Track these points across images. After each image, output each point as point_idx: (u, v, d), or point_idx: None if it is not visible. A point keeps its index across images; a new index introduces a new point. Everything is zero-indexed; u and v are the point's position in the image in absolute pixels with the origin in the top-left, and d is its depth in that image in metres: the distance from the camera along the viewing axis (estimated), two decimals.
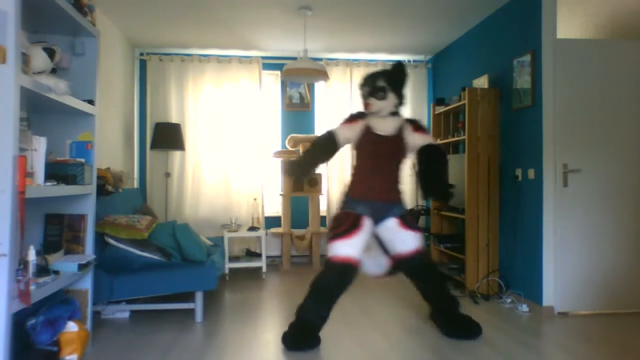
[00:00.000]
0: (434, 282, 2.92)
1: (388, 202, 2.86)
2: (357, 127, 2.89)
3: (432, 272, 2.93)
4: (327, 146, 2.91)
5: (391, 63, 2.96)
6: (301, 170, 2.91)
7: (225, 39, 4.87)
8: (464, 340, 2.82)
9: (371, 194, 2.82)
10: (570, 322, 3.22)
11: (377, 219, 2.86)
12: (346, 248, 2.70)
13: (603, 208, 3.42)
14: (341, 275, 2.71)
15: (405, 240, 2.85)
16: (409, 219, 2.91)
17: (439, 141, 4.64)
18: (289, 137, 5.17)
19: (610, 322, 3.21)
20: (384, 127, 2.87)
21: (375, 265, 2.97)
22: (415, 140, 2.90)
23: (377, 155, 2.85)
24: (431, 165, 2.88)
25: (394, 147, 2.87)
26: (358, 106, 5.40)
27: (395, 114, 2.93)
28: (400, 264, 2.91)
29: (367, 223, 2.80)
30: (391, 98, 2.86)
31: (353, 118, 2.94)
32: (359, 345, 2.79)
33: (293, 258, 5.45)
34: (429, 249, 4.28)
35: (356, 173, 2.91)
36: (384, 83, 2.84)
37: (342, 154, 5.44)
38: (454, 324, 2.87)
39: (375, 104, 2.84)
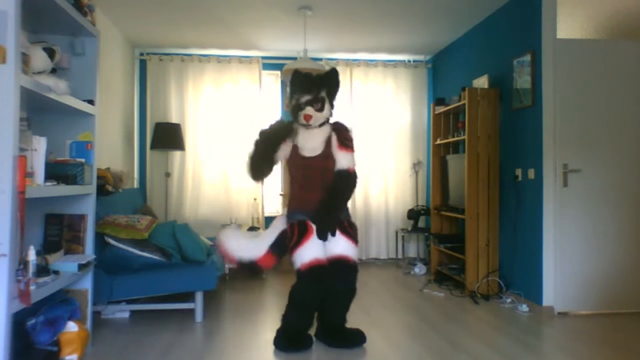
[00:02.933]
0: (344, 300, 2.79)
1: None
2: (287, 147, 2.79)
3: (348, 291, 2.77)
4: (264, 160, 2.77)
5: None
6: (324, 218, 2.75)
7: (225, 39, 4.87)
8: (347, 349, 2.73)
9: (308, 207, 2.75)
10: (570, 322, 3.22)
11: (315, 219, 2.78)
12: (308, 252, 2.66)
13: (603, 208, 3.42)
14: (316, 281, 2.66)
15: (336, 244, 2.74)
16: (347, 224, 2.79)
17: (438, 141, 4.64)
18: None
19: (610, 322, 3.21)
20: (311, 144, 2.74)
21: (251, 249, 2.82)
22: (337, 160, 2.76)
23: (306, 176, 2.76)
24: (327, 200, 2.74)
25: (322, 165, 2.75)
26: (360, 109, 5.40)
27: (324, 124, 2.81)
28: (328, 265, 2.75)
29: (312, 226, 2.72)
30: (327, 110, 2.78)
31: (281, 137, 2.78)
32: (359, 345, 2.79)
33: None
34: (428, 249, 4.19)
35: (291, 191, 2.87)
36: (324, 94, 2.75)
37: None
38: (336, 337, 2.76)
39: (314, 115, 2.72)
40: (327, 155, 2.76)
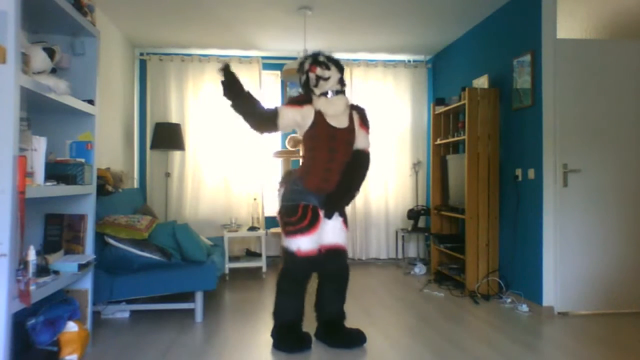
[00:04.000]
0: (340, 289, 2.81)
1: None
2: (308, 113, 2.68)
3: (343, 279, 2.82)
4: (265, 116, 2.70)
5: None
6: (233, 92, 2.77)
7: (225, 39, 4.87)
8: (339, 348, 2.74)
9: (326, 187, 2.71)
10: (570, 322, 3.22)
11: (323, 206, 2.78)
12: (310, 244, 2.65)
13: (603, 208, 3.42)
14: (307, 269, 2.68)
15: (336, 234, 2.77)
16: (344, 216, 2.85)
17: (438, 141, 4.64)
18: (289, 137, 5.17)
19: (610, 322, 3.21)
20: (337, 114, 2.69)
21: None
22: (358, 138, 2.78)
23: (334, 149, 2.68)
24: (348, 182, 2.76)
25: (348, 140, 2.73)
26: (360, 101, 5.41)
27: (340, 92, 2.75)
28: (324, 254, 2.77)
29: (321, 215, 2.72)
30: (334, 71, 2.70)
31: (301, 102, 2.71)
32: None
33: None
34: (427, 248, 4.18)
35: (311, 165, 2.70)
36: (325, 59, 2.72)
37: None
38: (337, 335, 2.77)
39: (322, 71, 2.66)
40: (352, 129, 2.74)
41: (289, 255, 2.67)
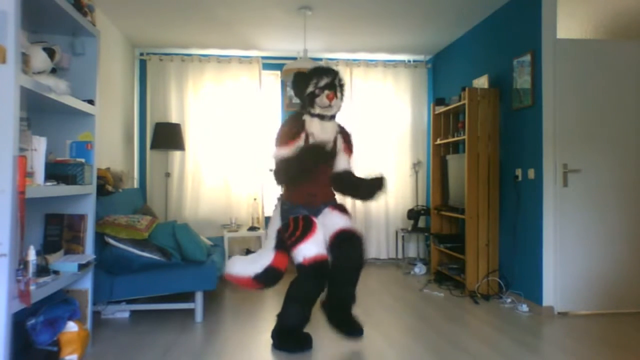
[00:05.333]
0: (352, 271, 2.77)
1: (327, 201, 2.90)
2: (300, 142, 2.74)
3: (357, 260, 2.76)
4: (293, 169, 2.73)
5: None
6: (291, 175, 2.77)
7: (225, 39, 4.87)
8: (345, 336, 2.82)
9: (313, 200, 2.82)
10: (570, 322, 3.22)
11: (317, 215, 2.85)
12: (313, 247, 2.64)
13: (603, 208, 3.42)
14: (317, 275, 2.64)
15: (334, 221, 2.81)
16: (340, 206, 2.90)
17: (438, 141, 4.64)
18: None
19: (610, 322, 3.21)
20: (326, 136, 2.77)
21: (259, 260, 2.83)
22: (340, 161, 2.89)
23: (315, 172, 2.78)
24: (349, 184, 2.87)
25: (332, 157, 2.85)
26: (360, 108, 5.40)
27: (333, 117, 2.86)
28: (331, 243, 2.78)
29: (316, 221, 2.77)
30: (340, 99, 2.81)
31: (292, 136, 2.74)
32: (359, 345, 2.79)
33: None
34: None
35: (294, 186, 2.84)
36: (337, 81, 2.80)
37: None
38: (340, 317, 2.81)
39: (335, 101, 2.76)
40: (334, 147, 2.85)
41: (298, 268, 2.67)
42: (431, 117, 4.74)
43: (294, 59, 5.40)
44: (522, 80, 3.63)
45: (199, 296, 3.25)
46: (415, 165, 5.55)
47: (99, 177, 3.40)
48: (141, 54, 5.24)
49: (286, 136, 2.75)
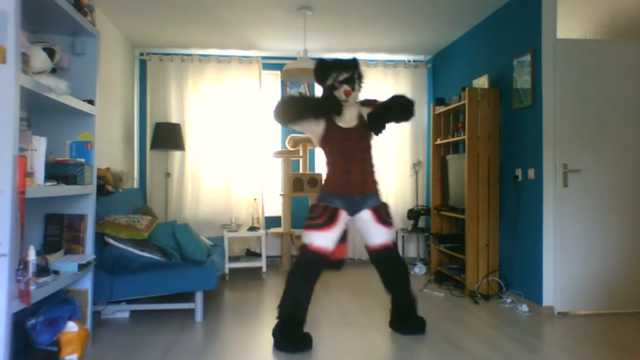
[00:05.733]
0: (397, 276, 3.00)
1: (363, 194, 2.91)
2: (319, 126, 2.90)
3: (397, 266, 3.00)
4: (303, 107, 2.84)
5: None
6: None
7: (225, 39, 4.88)
8: (413, 335, 2.95)
9: (346, 190, 2.86)
10: (570, 322, 3.22)
11: (353, 212, 2.93)
12: (322, 240, 2.78)
13: (603, 208, 3.42)
14: (315, 262, 2.78)
15: (375, 235, 2.95)
16: (383, 212, 2.97)
17: (438, 141, 4.64)
18: (289, 137, 5.17)
19: (610, 322, 3.21)
20: (348, 117, 2.91)
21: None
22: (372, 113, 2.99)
23: (346, 148, 2.87)
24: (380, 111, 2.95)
25: (360, 137, 2.91)
26: None
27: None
28: (370, 255, 3.03)
29: (342, 217, 2.87)
30: (357, 90, 2.93)
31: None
32: (359, 345, 2.79)
33: (293, 258, 5.45)
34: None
35: (329, 169, 2.93)
36: (356, 76, 2.91)
37: None
38: (406, 319, 2.99)
39: (352, 93, 2.87)
40: (363, 124, 2.94)
41: (301, 247, 2.83)
42: (431, 117, 4.74)
43: (294, 59, 5.40)
44: (522, 80, 3.63)
45: (199, 296, 3.25)
46: (415, 165, 5.55)
47: (99, 177, 3.40)
48: (141, 54, 5.24)
49: None
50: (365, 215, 2.93)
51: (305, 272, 2.78)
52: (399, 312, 3.01)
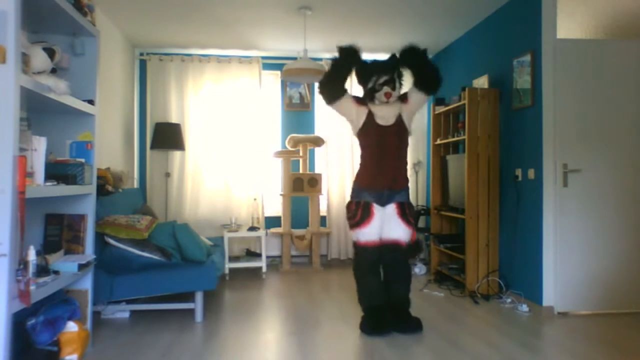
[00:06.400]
0: (396, 278, 3.08)
1: (393, 190, 3.04)
2: (362, 114, 3.05)
3: (400, 269, 3.07)
4: (335, 86, 3.03)
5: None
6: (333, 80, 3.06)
7: (225, 39, 4.88)
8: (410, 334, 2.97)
9: (378, 184, 3.01)
10: (570, 322, 3.22)
11: (383, 204, 3.05)
12: (365, 236, 3.00)
13: (603, 208, 3.42)
14: (368, 255, 3.00)
15: (392, 228, 3.03)
16: (407, 210, 3.06)
17: (438, 141, 4.64)
18: (289, 137, 5.17)
19: (610, 322, 3.21)
20: (387, 115, 3.02)
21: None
22: (411, 94, 3.11)
23: (381, 144, 3.01)
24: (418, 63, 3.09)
25: (397, 135, 3.04)
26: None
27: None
28: (384, 249, 3.09)
29: (376, 209, 3.01)
30: (398, 89, 3.06)
31: (360, 102, 3.08)
32: (359, 344, 2.79)
33: (293, 258, 5.45)
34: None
35: (363, 162, 3.09)
36: (396, 75, 3.04)
37: (342, 154, 5.44)
38: (401, 320, 3.02)
39: (392, 94, 2.99)
40: (399, 123, 3.05)
41: (353, 245, 3.09)
42: (431, 117, 4.74)
43: (294, 59, 5.40)
44: (522, 80, 3.63)
45: (199, 296, 3.25)
46: (415, 165, 5.55)
47: (99, 177, 3.40)
48: (141, 54, 5.24)
49: (355, 97, 3.10)
50: (390, 209, 3.04)
51: (364, 266, 3.01)
52: (392, 309, 3.05)
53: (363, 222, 2.99)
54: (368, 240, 3.00)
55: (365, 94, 3.09)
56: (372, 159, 3.03)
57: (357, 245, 3.05)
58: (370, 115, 3.03)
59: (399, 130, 3.06)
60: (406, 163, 3.13)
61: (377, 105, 3.05)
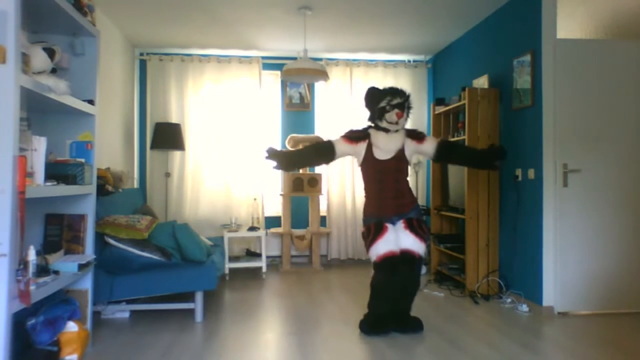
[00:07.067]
0: (403, 289, 3.00)
1: (399, 215, 3.03)
2: (360, 150, 3.05)
3: (408, 280, 2.99)
4: (323, 154, 3.10)
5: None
6: (288, 164, 3.13)
7: (225, 39, 4.87)
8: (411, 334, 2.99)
9: (383, 212, 3.02)
10: (570, 322, 3.22)
11: (394, 223, 3.04)
12: (382, 246, 2.94)
13: (603, 208, 3.42)
14: (390, 269, 2.93)
15: (401, 239, 2.99)
16: (415, 223, 3.02)
17: None
18: (289, 137, 5.17)
19: (610, 322, 3.21)
20: (387, 147, 3.01)
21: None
22: (427, 148, 3.12)
23: (382, 179, 3.02)
24: (464, 151, 3.17)
25: (396, 165, 3.03)
26: (360, 109, 5.40)
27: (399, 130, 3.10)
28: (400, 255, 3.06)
29: (388, 225, 3.00)
30: (405, 119, 3.05)
31: (355, 139, 3.06)
32: (359, 344, 2.79)
33: (293, 258, 5.45)
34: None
35: (367, 194, 3.12)
36: (407, 104, 3.05)
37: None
38: (401, 320, 3.04)
39: (403, 120, 3.01)
40: (400, 157, 3.04)
41: (374, 265, 3.01)
42: (431, 117, 4.74)
43: (294, 59, 5.40)
44: (522, 80, 3.63)
45: (199, 296, 3.25)
46: (416, 166, 5.55)
47: (99, 177, 3.40)
48: (141, 54, 5.24)
49: (351, 134, 3.10)
50: (399, 224, 3.03)
51: (383, 281, 2.94)
52: (395, 316, 3.03)
53: (378, 236, 2.96)
54: (386, 251, 2.93)
55: (372, 114, 3.06)
56: (374, 192, 3.05)
57: (376, 262, 2.97)
58: (369, 149, 3.03)
59: (399, 164, 3.04)
60: (407, 182, 3.11)
61: (380, 134, 3.02)
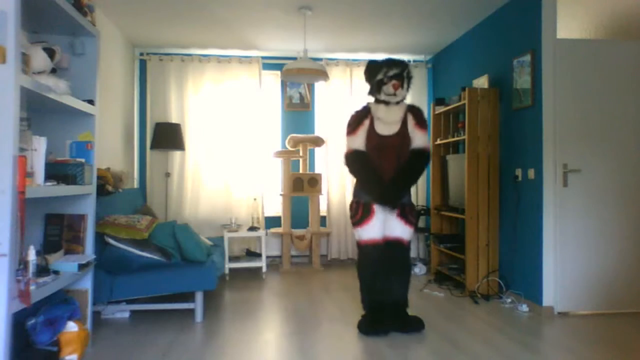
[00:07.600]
0: (397, 273, 3.05)
1: None
2: (364, 128, 3.02)
3: (400, 264, 3.06)
4: (367, 161, 3.01)
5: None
6: (394, 195, 3.00)
7: (225, 39, 4.87)
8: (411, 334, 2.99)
9: None
10: (570, 322, 3.22)
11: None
12: (366, 233, 3.00)
13: (603, 208, 3.42)
14: (372, 252, 3.01)
15: (392, 227, 3.03)
16: (406, 209, 3.05)
17: (439, 141, 4.64)
18: (289, 137, 5.17)
19: (610, 322, 3.21)
20: (388, 118, 2.98)
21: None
22: (413, 139, 3.03)
23: (381, 151, 3.00)
24: (403, 175, 3.03)
25: (397, 143, 3.01)
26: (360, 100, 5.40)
27: (400, 102, 3.07)
28: (382, 247, 3.08)
29: (376, 208, 3.01)
30: (405, 89, 3.03)
31: (358, 122, 3.02)
32: (359, 344, 2.79)
33: (293, 258, 5.45)
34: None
35: None
36: (406, 73, 3.02)
37: (342, 154, 5.44)
38: (401, 320, 3.01)
39: (400, 91, 2.97)
40: (403, 134, 3.01)
41: (357, 244, 3.09)
42: (431, 117, 4.74)
43: (294, 59, 5.41)
44: (522, 80, 3.63)
45: (199, 296, 3.25)
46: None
47: (99, 177, 3.40)
48: (141, 54, 5.24)
49: (353, 123, 3.05)
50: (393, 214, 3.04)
51: (366, 264, 3.01)
52: (391, 310, 3.05)
53: (363, 221, 3.00)
54: (370, 238, 3.00)
55: (372, 88, 3.05)
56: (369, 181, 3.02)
57: (359, 244, 3.06)
58: (370, 126, 3.01)
59: (401, 138, 2.99)
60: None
61: (380, 106, 3.01)
